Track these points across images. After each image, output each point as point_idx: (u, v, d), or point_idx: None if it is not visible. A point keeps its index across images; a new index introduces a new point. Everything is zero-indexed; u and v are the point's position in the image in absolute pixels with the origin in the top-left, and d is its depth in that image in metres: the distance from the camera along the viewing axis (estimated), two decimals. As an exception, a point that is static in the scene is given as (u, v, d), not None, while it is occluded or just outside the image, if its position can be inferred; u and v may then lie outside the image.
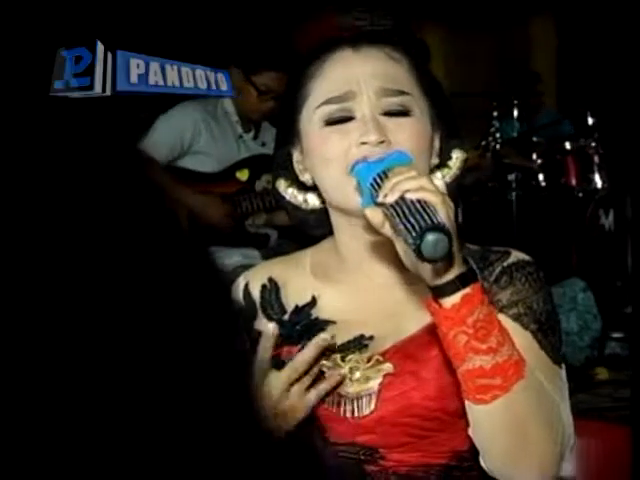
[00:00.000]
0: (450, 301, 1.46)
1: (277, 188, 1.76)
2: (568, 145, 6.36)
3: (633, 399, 1.66)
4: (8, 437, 0.61)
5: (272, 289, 1.74)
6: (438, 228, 1.37)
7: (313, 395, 1.60)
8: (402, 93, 1.63)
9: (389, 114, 1.62)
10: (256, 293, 1.75)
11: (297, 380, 1.61)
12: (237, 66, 4.47)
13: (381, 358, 1.62)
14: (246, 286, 1.77)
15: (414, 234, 1.37)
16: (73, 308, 0.63)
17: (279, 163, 1.74)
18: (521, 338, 1.57)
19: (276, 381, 1.60)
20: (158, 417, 0.65)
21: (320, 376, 1.63)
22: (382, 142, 1.58)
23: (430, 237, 1.36)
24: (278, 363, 1.66)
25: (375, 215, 1.46)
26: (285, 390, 1.60)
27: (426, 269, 1.44)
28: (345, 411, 1.62)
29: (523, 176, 6.42)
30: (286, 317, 1.70)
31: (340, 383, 1.63)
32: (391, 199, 1.43)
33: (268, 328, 1.63)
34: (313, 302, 1.70)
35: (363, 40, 1.68)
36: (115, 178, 0.68)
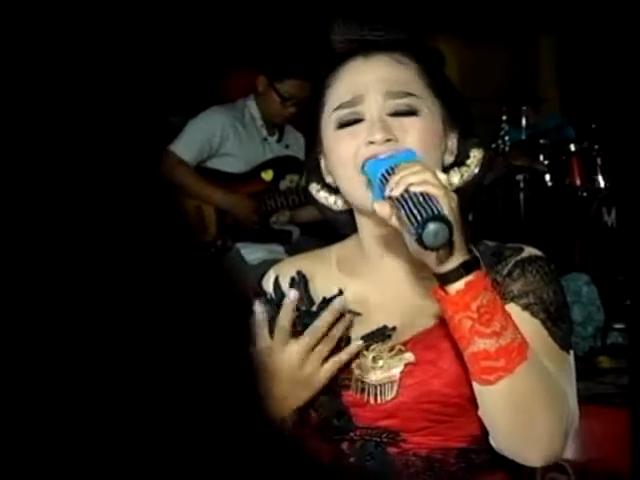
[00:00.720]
0: (454, 287, 1.47)
1: (310, 191, 1.78)
2: (573, 147, 6.34)
3: (631, 385, 1.66)
4: (8, 437, 0.60)
5: (301, 281, 1.75)
6: (438, 218, 1.39)
7: (332, 363, 1.62)
8: (408, 95, 1.64)
9: (397, 114, 1.63)
10: (285, 285, 1.75)
11: (316, 346, 1.62)
12: (262, 73, 4.51)
13: (403, 348, 1.62)
14: (276, 279, 1.77)
15: (416, 224, 1.39)
16: (76, 307, 0.62)
17: (309, 168, 1.77)
18: (530, 325, 1.58)
19: (296, 347, 1.61)
20: (161, 416, 0.64)
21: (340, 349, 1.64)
22: (389, 140, 1.59)
23: (431, 226, 1.38)
24: None
25: (383, 208, 1.49)
26: (305, 356, 1.61)
27: (431, 257, 1.46)
28: (369, 397, 1.62)
29: (530, 177, 6.40)
30: (314, 308, 1.71)
31: (356, 358, 1.64)
32: (396, 192, 1.45)
33: (289, 295, 1.64)
34: (339, 294, 1.71)
35: (374, 48, 1.69)
36: (126, 177, 0.67)
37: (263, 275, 1.82)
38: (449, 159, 1.69)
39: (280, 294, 1.75)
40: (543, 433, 1.52)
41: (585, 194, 6.19)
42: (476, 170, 1.71)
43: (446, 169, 1.69)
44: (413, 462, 1.62)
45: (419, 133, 1.62)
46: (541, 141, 6.54)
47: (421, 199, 1.42)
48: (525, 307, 1.61)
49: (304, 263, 1.80)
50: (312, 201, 1.79)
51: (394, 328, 1.66)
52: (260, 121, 4.61)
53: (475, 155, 1.72)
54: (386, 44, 1.69)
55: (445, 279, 1.48)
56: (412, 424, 1.61)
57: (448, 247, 1.43)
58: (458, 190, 1.68)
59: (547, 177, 6.39)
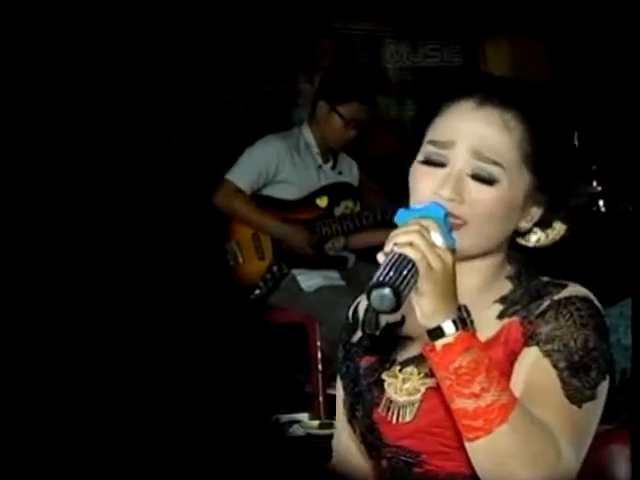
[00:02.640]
0: (436, 345, 1.51)
1: None
2: (626, 173, 6.31)
3: (633, 401, 1.64)
4: (9, 436, 0.61)
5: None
6: (383, 285, 1.45)
7: None
8: (495, 163, 1.62)
9: (476, 177, 1.62)
10: (362, 310, 1.80)
11: None
12: (322, 98, 4.56)
13: (429, 373, 1.63)
14: (357, 305, 1.83)
15: (369, 285, 1.47)
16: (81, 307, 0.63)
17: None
18: (544, 375, 1.58)
19: None
20: (160, 417, 0.65)
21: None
22: (453, 200, 1.60)
23: (374, 292, 1.46)
24: (357, 370, 1.74)
25: (380, 259, 1.51)
26: None
27: (417, 310, 1.52)
28: (392, 416, 1.66)
29: (585, 202, 6.37)
30: (377, 332, 1.74)
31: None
32: (386, 248, 1.50)
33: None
34: (402, 321, 1.73)
35: (490, 99, 1.65)
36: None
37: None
38: (525, 226, 1.69)
39: (355, 319, 1.82)
40: None
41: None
42: (553, 240, 1.72)
43: (521, 234, 1.70)
44: None
45: (487, 204, 1.62)
46: (594, 167, 6.51)
47: (393, 260, 1.47)
48: (547, 354, 1.59)
49: None
50: None
51: None
52: (315, 148, 4.64)
53: (556, 228, 1.71)
54: (504, 98, 1.65)
55: (429, 335, 1.52)
56: (428, 447, 1.64)
57: (394, 311, 1.48)
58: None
59: (601, 202, 6.35)
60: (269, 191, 4.56)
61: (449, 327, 1.50)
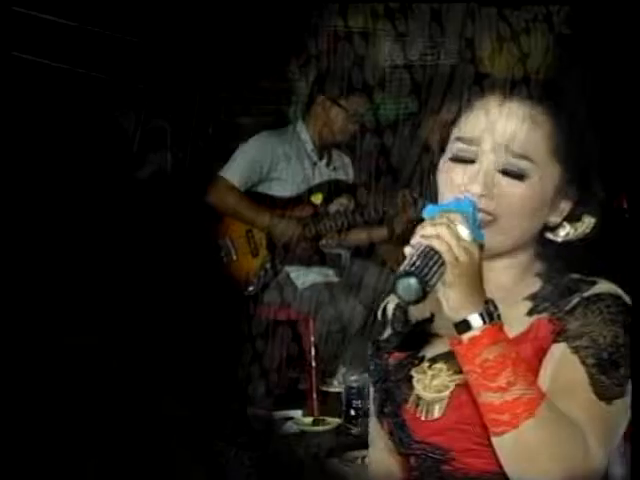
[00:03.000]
0: (463, 338, 1.50)
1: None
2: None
3: (633, 401, 1.63)
4: (9, 435, 0.60)
5: (403, 306, 1.78)
6: (410, 275, 1.45)
7: None
8: (524, 158, 1.61)
9: (505, 172, 1.61)
10: (391, 309, 1.80)
11: None
12: (322, 93, 4.56)
13: (458, 369, 1.62)
14: (386, 305, 1.83)
15: (395, 276, 1.46)
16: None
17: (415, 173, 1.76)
18: (572, 371, 1.56)
19: None
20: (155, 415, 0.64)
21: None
22: (483, 196, 1.59)
23: (400, 282, 1.45)
24: (386, 367, 1.74)
25: (407, 251, 1.50)
26: None
27: (444, 303, 1.50)
28: (421, 412, 1.66)
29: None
30: (406, 329, 1.75)
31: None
32: (413, 241, 1.49)
33: None
34: (431, 318, 1.72)
35: (518, 94, 1.64)
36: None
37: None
38: (555, 220, 1.68)
39: (384, 318, 1.82)
40: None
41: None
42: (582, 234, 1.70)
43: (550, 228, 1.68)
44: None
45: (518, 199, 1.61)
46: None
47: (419, 252, 1.47)
48: (575, 351, 1.57)
49: None
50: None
51: None
52: (310, 145, 4.65)
53: (585, 222, 1.70)
54: (532, 92, 1.64)
55: (455, 329, 1.51)
56: (458, 444, 1.62)
57: (421, 301, 1.46)
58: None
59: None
60: (263, 188, 4.56)
61: (476, 320, 1.49)
